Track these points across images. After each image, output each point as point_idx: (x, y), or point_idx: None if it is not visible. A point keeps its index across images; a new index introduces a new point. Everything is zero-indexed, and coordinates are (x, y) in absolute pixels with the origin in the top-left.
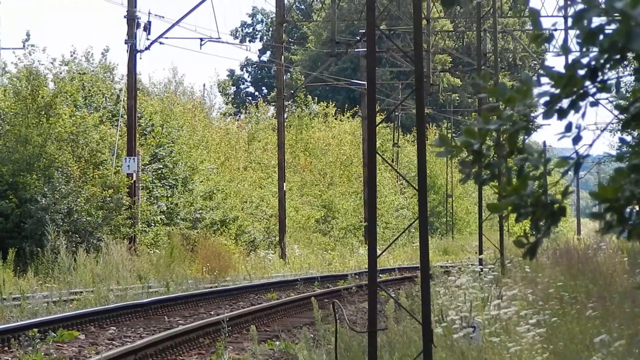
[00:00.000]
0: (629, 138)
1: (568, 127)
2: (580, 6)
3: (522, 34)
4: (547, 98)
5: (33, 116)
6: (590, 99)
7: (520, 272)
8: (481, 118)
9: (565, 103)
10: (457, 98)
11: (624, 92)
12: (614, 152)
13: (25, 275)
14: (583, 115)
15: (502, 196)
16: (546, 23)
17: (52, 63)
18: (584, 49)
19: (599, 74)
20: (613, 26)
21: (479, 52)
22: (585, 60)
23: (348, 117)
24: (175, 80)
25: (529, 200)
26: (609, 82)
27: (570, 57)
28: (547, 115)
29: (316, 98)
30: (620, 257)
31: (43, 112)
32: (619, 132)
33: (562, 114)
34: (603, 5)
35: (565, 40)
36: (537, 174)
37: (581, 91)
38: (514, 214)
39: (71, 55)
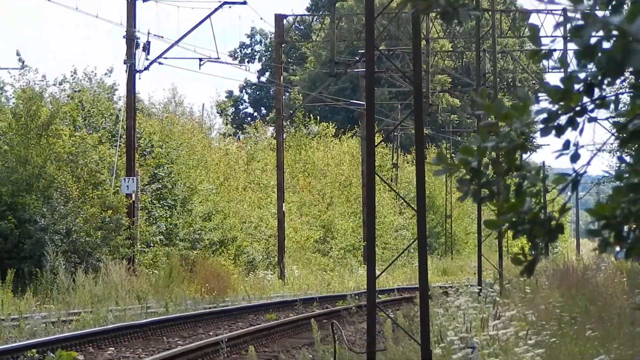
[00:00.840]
0: (628, 159)
1: (566, 145)
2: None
3: (521, 54)
4: (544, 115)
5: (33, 136)
6: (588, 115)
7: (519, 292)
8: (479, 135)
9: (563, 120)
10: (456, 118)
11: (622, 109)
12: (612, 173)
13: (24, 295)
14: (581, 132)
15: (500, 213)
16: (545, 42)
17: (42, 80)
18: (581, 63)
19: (597, 90)
20: (610, 42)
21: (478, 72)
22: (582, 75)
23: (348, 137)
24: (175, 100)
25: (526, 217)
26: (607, 98)
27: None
28: (545, 132)
29: (318, 117)
30: (620, 277)
31: (43, 133)
32: (617, 152)
33: (560, 130)
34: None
35: (565, 55)
36: (535, 191)
37: (579, 108)
38: (512, 231)
39: (72, 75)
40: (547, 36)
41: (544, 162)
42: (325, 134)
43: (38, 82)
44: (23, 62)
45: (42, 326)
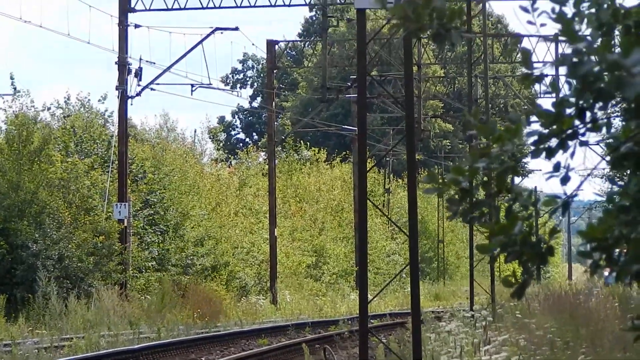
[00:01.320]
0: (620, 183)
1: (556, 167)
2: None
3: (513, 79)
4: (535, 137)
5: (25, 162)
6: (580, 138)
7: (511, 317)
8: (470, 156)
9: (554, 142)
10: (449, 144)
11: (615, 131)
12: (604, 198)
13: (17, 321)
14: (572, 155)
15: (491, 234)
16: (537, 68)
17: (33, 105)
18: (573, 89)
19: (588, 113)
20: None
21: (470, 98)
22: (573, 99)
23: (338, 162)
24: (167, 126)
25: (517, 239)
26: (599, 122)
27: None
28: (535, 154)
29: (308, 144)
30: (612, 302)
31: (35, 158)
32: (609, 175)
33: (551, 152)
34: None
35: (556, 79)
36: (526, 215)
37: (570, 131)
38: (503, 253)
39: (65, 101)
40: (538, 62)
41: (535, 187)
42: (317, 159)
43: (30, 106)
44: (15, 88)
45: (35, 352)
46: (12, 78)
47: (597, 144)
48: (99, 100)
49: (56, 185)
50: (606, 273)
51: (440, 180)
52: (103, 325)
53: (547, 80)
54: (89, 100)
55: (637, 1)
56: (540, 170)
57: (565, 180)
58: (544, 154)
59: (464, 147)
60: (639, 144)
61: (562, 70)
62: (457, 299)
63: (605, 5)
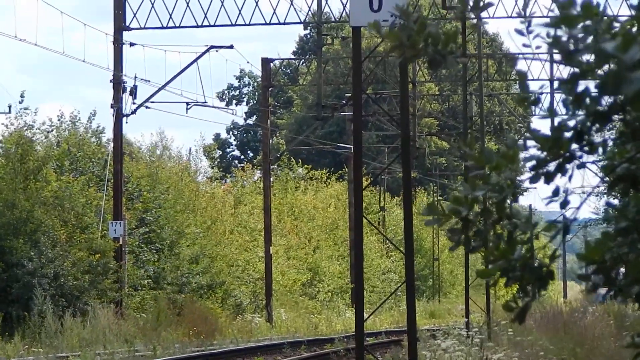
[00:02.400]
0: (615, 202)
1: (555, 192)
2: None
3: (508, 97)
4: (533, 162)
5: (21, 180)
6: (577, 161)
7: (507, 335)
8: (468, 184)
9: (552, 166)
10: (444, 161)
11: (611, 153)
12: (599, 216)
13: (12, 339)
14: (570, 178)
15: (490, 261)
16: (532, 87)
17: (38, 129)
18: (571, 111)
19: (585, 136)
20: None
21: (464, 115)
22: (571, 123)
23: (333, 180)
24: (162, 144)
25: (517, 264)
26: (595, 144)
27: (557, 121)
28: (533, 179)
29: (300, 161)
30: (607, 320)
31: (31, 177)
32: (605, 195)
33: (549, 177)
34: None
35: (552, 103)
36: (525, 238)
37: (567, 154)
38: (503, 278)
39: (59, 119)
40: (534, 79)
41: (531, 206)
42: (311, 177)
43: (40, 125)
44: (10, 106)
45: None
46: (22, 96)
47: (594, 163)
48: (89, 119)
49: (51, 203)
50: (599, 291)
51: (439, 209)
52: (99, 343)
53: (543, 98)
54: (78, 118)
55: (627, 8)
56: (535, 188)
57: (564, 204)
58: (542, 178)
59: (459, 164)
60: (635, 165)
61: (558, 94)
62: (453, 316)
63: (602, 27)
